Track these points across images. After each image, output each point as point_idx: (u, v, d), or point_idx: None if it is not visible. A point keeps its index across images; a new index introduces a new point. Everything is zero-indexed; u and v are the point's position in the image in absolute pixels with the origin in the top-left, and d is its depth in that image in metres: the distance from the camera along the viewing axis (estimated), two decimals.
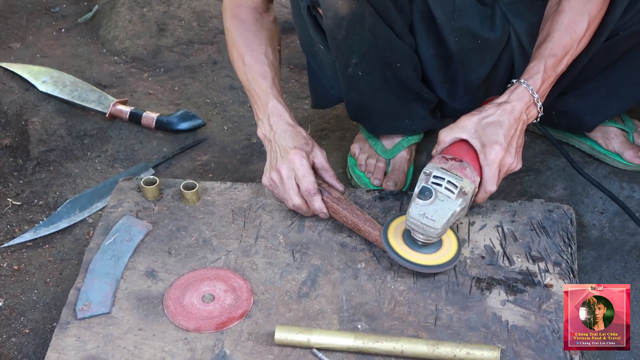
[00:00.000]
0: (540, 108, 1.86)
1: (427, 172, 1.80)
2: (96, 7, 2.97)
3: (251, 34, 2.03)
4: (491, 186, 1.83)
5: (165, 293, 1.84)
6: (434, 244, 1.85)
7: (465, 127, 1.84)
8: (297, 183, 1.91)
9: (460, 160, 1.81)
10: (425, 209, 1.77)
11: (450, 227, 1.88)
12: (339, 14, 1.88)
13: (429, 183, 1.78)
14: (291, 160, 1.90)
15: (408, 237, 1.84)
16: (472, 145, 1.83)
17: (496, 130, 1.81)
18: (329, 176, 1.96)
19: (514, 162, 1.84)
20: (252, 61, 2.01)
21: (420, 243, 1.82)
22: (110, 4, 2.93)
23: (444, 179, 1.78)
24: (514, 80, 1.87)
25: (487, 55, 2.03)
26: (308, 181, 1.89)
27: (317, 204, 1.91)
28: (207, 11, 2.87)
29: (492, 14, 1.99)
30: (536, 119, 1.88)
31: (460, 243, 1.89)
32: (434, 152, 1.88)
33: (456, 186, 1.77)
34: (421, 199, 1.77)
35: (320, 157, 1.95)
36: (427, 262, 1.83)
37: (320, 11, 1.93)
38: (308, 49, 2.15)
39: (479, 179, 1.82)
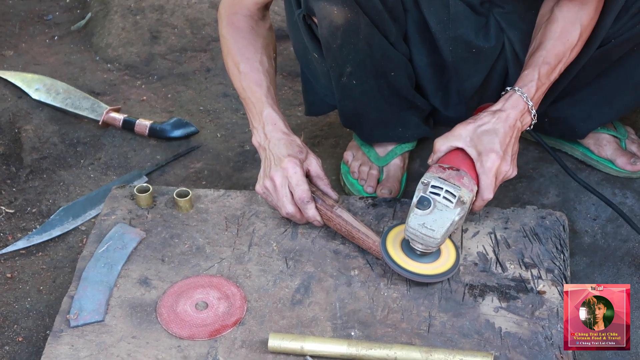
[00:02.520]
0: (534, 115, 1.87)
1: (425, 181, 1.80)
2: (89, 14, 2.97)
3: (246, 42, 2.04)
4: (488, 194, 1.83)
5: (158, 301, 1.84)
6: (433, 254, 1.85)
7: (460, 136, 1.84)
8: (290, 191, 1.91)
9: (457, 169, 1.81)
10: (424, 219, 1.77)
11: (449, 236, 1.88)
12: (334, 23, 1.89)
13: (428, 193, 1.78)
14: (285, 168, 1.90)
15: (407, 246, 1.84)
16: (468, 153, 1.83)
17: (492, 139, 1.82)
18: (324, 184, 1.96)
19: (510, 170, 1.85)
20: (247, 69, 2.01)
21: (418, 252, 1.82)
22: (104, 11, 2.93)
23: (442, 188, 1.78)
24: (508, 88, 1.87)
25: (481, 64, 2.03)
26: (301, 189, 1.90)
27: (311, 212, 1.91)
28: (200, 19, 2.87)
29: (487, 24, 2.00)
30: (530, 126, 1.89)
31: (459, 252, 1.89)
32: (430, 161, 1.88)
33: (455, 195, 1.77)
34: (420, 209, 1.77)
35: (315, 165, 1.95)
36: (426, 271, 1.83)
37: (315, 20, 1.93)
38: (302, 57, 2.15)
39: (476, 188, 1.82)
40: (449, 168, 1.81)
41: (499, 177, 1.84)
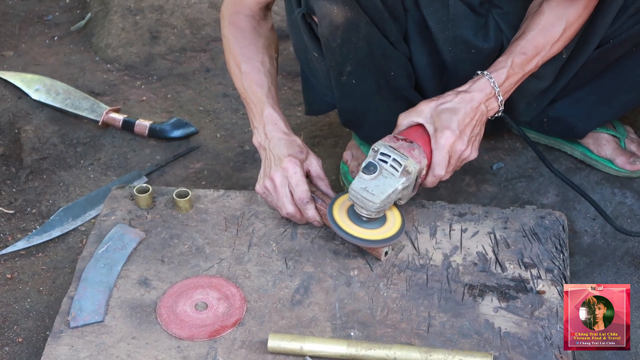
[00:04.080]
0: (501, 102, 1.88)
1: (375, 148, 1.84)
2: (89, 15, 2.97)
3: (248, 42, 2.04)
4: (440, 170, 1.85)
5: (158, 301, 1.85)
6: (378, 220, 1.87)
7: (422, 112, 1.87)
8: (290, 191, 1.91)
9: (411, 142, 1.84)
10: (367, 184, 1.81)
11: (397, 206, 1.91)
12: (334, 22, 1.89)
13: (375, 159, 1.83)
14: (285, 168, 1.90)
15: (352, 212, 1.87)
16: (427, 129, 1.85)
17: (450, 117, 1.84)
18: (324, 184, 1.97)
19: (467, 150, 1.86)
20: (248, 69, 2.01)
21: (364, 218, 1.86)
22: (103, 11, 2.93)
23: (389, 156, 1.82)
24: (479, 72, 1.88)
25: (481, 64, 2.02)
26: (301, 189, 1.90)
27: (311, 212, 1.92)
28: (200, 19, 2.87)
29: (486, 24, 2.00)
30: (497, 112, 1.90)
31: (405, 221, 1.91)
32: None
33: (400, 164, 1.81)
34: (365, 174, 1.82)
35: (315, 165, 1.96)
36: (368, 236, 1.86)
37: (315, 19, 1.93)
38: (302, 56, 2.15)
39: (426, 161, 1.84)
40: (402, 139, 1.84)
41: (453, 156, 1.85)
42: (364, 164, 1.83)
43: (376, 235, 1.87)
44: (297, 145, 1.95)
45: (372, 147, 1.84)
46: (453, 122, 1.83)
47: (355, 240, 1.86)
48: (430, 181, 1.88)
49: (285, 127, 1.97)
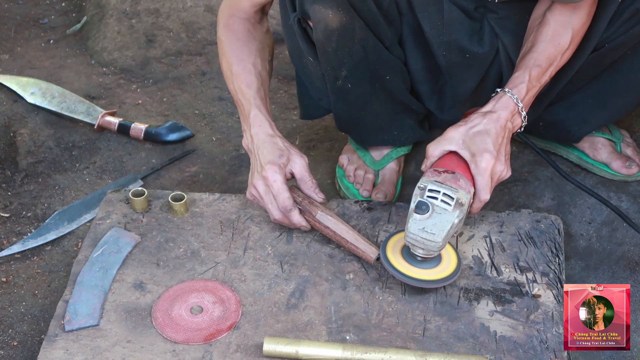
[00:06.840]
0: (524, 117, 1.87)
1: (422, 186, 1.79)
2: (85, 18, 2.97)
3: (241, 44, 2.04)
4: (485, 195, 1.83)
5: (153, 305, 1.84)
6: (434, 259, 1.83)
7: (453, 139, 1.84)
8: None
9: (453, 172, 1.80)
10: (423, 224, 1.76)
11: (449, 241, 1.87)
12: (330, 26, 1.88)
13: (425, 197, 1.77)
14: (265, 177, 1.89)
15: (407, 253, 1.83)
16: (462, 156, 1.83)
17: (484, 139, 1.81)
18: (307, 187, 1.94)
19: (505, 170, 1.84)
20: (239, 71, 2.01)
21: (419, 258, 1.82)
22: (99, 15, 2.93)
23: (439, 191, 1.77)
24: (499, 90, 1.87)
25: (475, 68, 2.03)
26: (282, 198, 1.88)
27: (295, 218, 1.91)
28: (195, 22, 2.87)
29: (481, 29, 2.00)
30: (520, 128, 1.89)
31: (459, 255, 1.88)
32: (423, 167, 1.87)
33: (452, 198, 1.77)
34: (419, 214, 1.76)
35: (298, 167, 1.93)
36: (429, 277, 1.82)
37: (311, 24, 1.93)
38: (297, 60, 2.15)
39: (473, 189, 1.81)
40: (444, 171, 1.81)
41: (494, 178, 1.83)
42: (414, 204, 1.77)
43: (437, 274, 1.82)
44: (278, 148, 1.93)
45: (418, 185, 1.79)
46: (489, 144, 1.80)
47: (420, 283, 1.81)
48: (476, 207, 1.85)
49: (270, 129, 1.95)
